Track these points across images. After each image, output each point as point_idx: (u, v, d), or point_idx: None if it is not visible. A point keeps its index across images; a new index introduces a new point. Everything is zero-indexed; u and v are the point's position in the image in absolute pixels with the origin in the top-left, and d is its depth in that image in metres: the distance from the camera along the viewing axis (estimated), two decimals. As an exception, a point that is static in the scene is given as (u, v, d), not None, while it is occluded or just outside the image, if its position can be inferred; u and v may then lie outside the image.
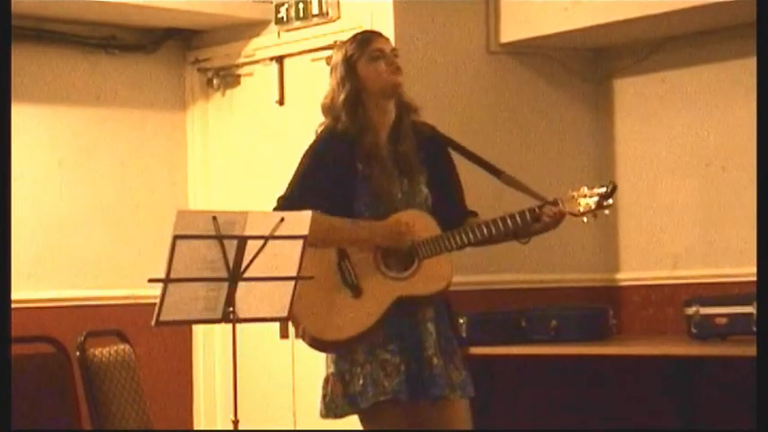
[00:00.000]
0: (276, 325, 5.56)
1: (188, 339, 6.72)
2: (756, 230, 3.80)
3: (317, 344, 4.04)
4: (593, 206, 4.02)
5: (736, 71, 6.00)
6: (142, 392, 5.15)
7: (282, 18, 6.31)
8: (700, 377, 5.71)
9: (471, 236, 4.03)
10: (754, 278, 3.78)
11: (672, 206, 6.26)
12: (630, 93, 6.44)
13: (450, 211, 4.15)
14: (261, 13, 6.40)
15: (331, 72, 4.20)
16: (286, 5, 6.29)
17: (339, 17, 6.12)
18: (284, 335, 5.83)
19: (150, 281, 3.67)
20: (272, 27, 6.40)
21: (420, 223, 4.05)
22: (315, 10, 6.16)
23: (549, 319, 5.71)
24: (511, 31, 6.15)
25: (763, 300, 3.67)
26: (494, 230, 4.03)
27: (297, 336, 4.15)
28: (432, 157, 4.17)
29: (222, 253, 3.68)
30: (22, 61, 6.15)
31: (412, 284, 4.01)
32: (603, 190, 4.02)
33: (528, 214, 4.03)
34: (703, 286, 6.02)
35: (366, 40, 4.16)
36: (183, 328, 6.51)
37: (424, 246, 4.02)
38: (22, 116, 6.10)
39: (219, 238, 3.67)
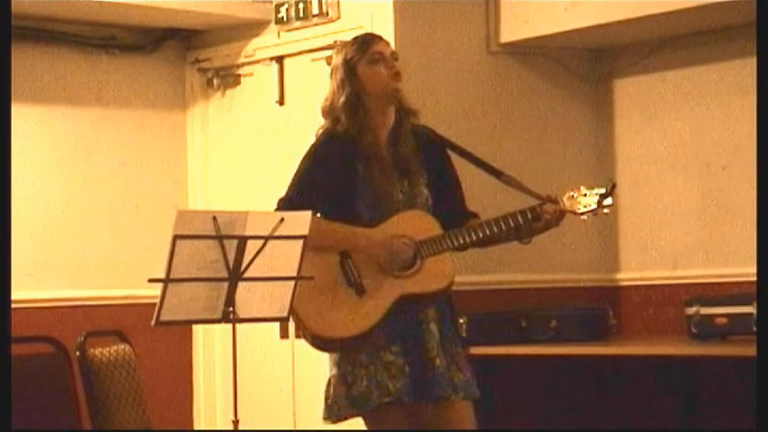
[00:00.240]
0: (276, 325, 5.57)
1: (188, 339, 6.72)
2: (756, 230, 3.80)
3: (318, 342, 4.04)
4: (592, 205, 4.04)
5: (736, 71, 6.00)
6: (142, 392, 5.16)
7: (282, 18, 6.31)
8: (700, 377, 5.71)
9: (473, 235, 4.04)
10: (754, 278, 3.78)
11: (672, 206, 6.26)
12: (630, 93, 6.44)
13: (451, 212, 4.15)
14: (261, 13, 6.40)
15: (331, 74, 4.21)
16: (286, 5, 6.29)
17: (339, 17, 6.12)
18: (284, 335, 5.83)
19: (150, 281, 3.67)
20: (272, 27, 6.40)
21: (421, 223, 4.06)
22: (315, 10, 6.16)
23: (549, 319, 5.71)
24: (511, 31, 6.15)
25: (763, 300, 3.67)
26: (495, 229, 4.03)
27: (297, 335, 4.15)
28: (431, 159, 4.18)
29: (222, 253, 3.69)
30: (22, 61, 6.16)
31: (414, 283, 4.01)
32: (603, 190, 4.04)
33: (529, 213, 4.04)
34: (703, 286, 6.02)
35: (366, 43, 4.17)
36: (183, 328, 6.51)
37: (425, 245, 4.02)
38: (22, 116, 6.10)
39: (219, 238, 3.67)
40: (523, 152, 6.24)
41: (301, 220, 3.79)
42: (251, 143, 6.60)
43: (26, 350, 5.11)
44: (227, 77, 6.70)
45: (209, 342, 6.69)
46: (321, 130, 4.17)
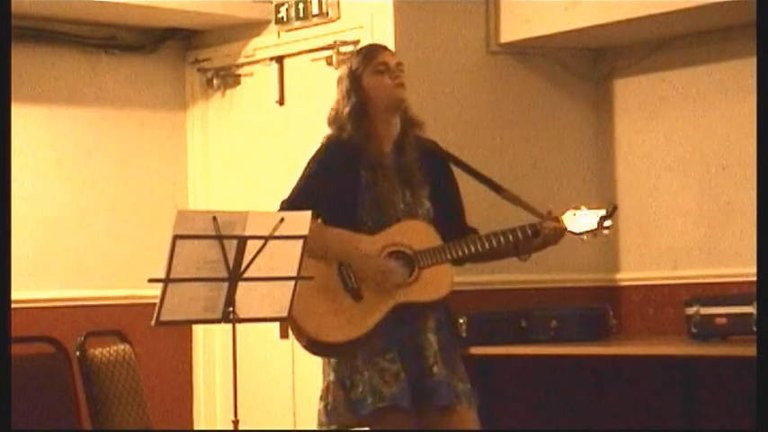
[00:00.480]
0: (276, 325, 5.57)
1: (188, 339, 6.71)
2: (756, 230, 3.80)
3: (313, 346, 4.05)
4: (593, 226, 4.10)
5: (736, 71, 5.99)
6: (142, 392, 5.16)
7: (282, 18, 6.31)
8: (700, 377, 5.71)
9: (472, 248, 4.07)
10: (754, 278, 3.78)
11: (672, 206, 6.26)
12: (630, 93, 6.44)
13: (451, 225, 4.17)
14: (261, 13, 6.40)
15: (337, 85, 4.23)
16: (286, 5, 6.29)
17: (339, 17, 6.12)
18: (284, 335, 5.83)
19: (150, 281, 3.67)
20: (272, 27, 6.40)
21: (422, 233, 4.08)
22: (315, 10, 6.16)
23: (549, 319, 5.72)
24: (511, 31, 6.15)
25: (763, 300, 3.67)
26: (494, 244, 4.07)
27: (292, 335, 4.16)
28: (434, 171, 4.20)
29: (222, 253, 3.69)
30: (22, 61, 6.15)
31: (411, 292, 4.02)
32: (603, 212, 4.09)
33: (529, 229, 4.08)
34: (703, 286, 6.02)
35: (371, 54, 4.19)
36: (183, 328, 6.51)
37: (424, 255, 4.03)
38: (22, 116, 6.10)
39: (219, 238, 3.67)
40: (523, 152, 6.23)
41: (301, 221, 3.79)
42: (251, 143, 6.60)
43: (26, 350, 5.11)
44: (227, 77, 6.70)
45: (209, 342, 6.69)
46: (326, 138, 4.19)
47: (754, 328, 4.87)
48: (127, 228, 6.55)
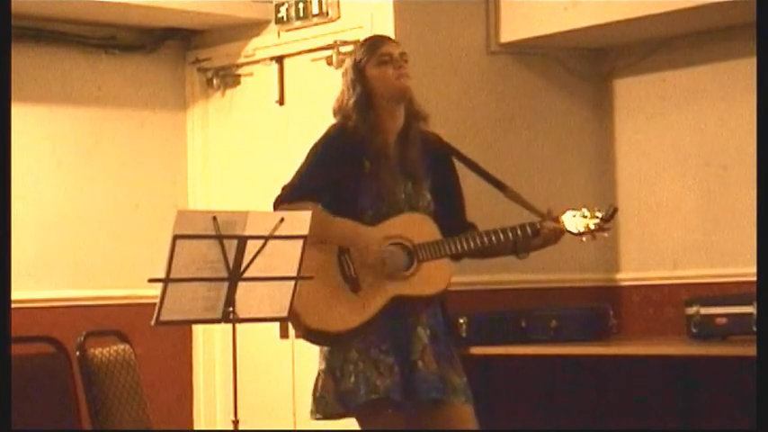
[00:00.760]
0: (276, 325, 5.57)
1: (188, 339, 6.72)
2: (756, 230, 3.80)
3: (309, 335, 4.05)
4: (592, 228, 4.13)
5: (736, 71, 5.99)
6: (142, 392, 5.16)
7: (282, 18, 6.31)
8: (700, 377, 5.71)
9: (471, 243, 4.08)
10: (754, 278, 3.78)
11: (672, 206, 6.26)
12: (630, 93, 6.44)
13: (451, 220, 4.18)
14: (261, 13, 6.40)
15: (342, 77, 4.24)
16: (286, 5, 6.29)
17: (339, 17, 6.12)
18: (284, 335, 5.84)
19: (150, 281, 3.67)
20: (272, 27, 6.40)
21: (422, 226, 4.09)
22: (315, 10, 6.16)
23: (549, 319, 5.72)
24: (511, 31, 6.15)
25: (763, 300, 3.67)
26: (494, 240, 4.08)
27: (296, 336, 4.15)
28: (436, 165, 4.21)
29: (222, 253, 3.69)
30: (22, 61, 6.16)
31: (409, 285, 4.03)
32: (603, 213, 4.12)
33: (528, 228, 4.10)
34: (703, 286, 6.02)
35: (375, 45, 4.20)
36: (182, 328, 6.51)
37: (423, 249, 4.04)
38: (22, 116, 6.10)
39: (219, 238, 3.67)
40: (523, 152, 6.24)
41: (301, 220, 3.79)
42: (251, 143, 6.60)
43: (26, 350, 5.11)
44: (227, 77, 6.70)
45: (209, 342, 6.69)
46: (332, 125, 4.19)
47: (754, 328, 4.87)
48: (127, 228, 6.55)
